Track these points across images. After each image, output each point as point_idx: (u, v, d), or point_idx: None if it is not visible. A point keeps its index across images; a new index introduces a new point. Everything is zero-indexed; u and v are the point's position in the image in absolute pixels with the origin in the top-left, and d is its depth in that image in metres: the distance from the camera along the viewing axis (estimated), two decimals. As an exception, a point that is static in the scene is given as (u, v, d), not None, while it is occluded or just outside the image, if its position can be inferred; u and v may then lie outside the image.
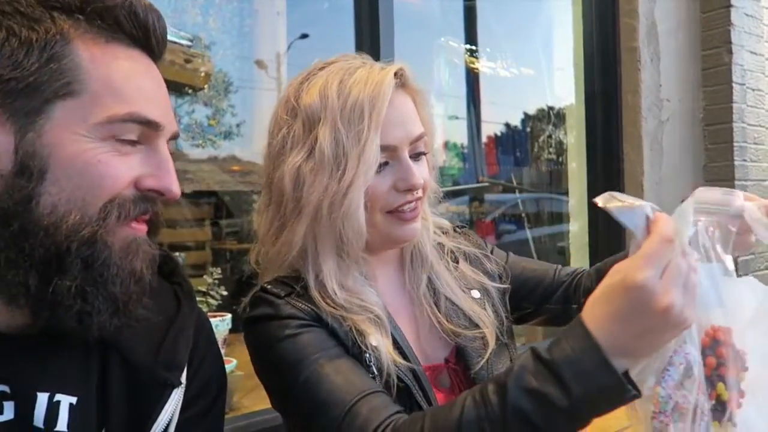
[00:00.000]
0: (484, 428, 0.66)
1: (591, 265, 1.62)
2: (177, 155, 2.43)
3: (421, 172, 0.91)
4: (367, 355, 0.84)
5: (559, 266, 1.10)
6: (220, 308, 1.81)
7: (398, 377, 0.85)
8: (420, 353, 0.92)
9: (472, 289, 0.99)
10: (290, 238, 0.90)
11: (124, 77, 0.65)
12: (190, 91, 2.37)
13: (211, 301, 1.80)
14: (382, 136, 0.86)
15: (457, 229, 1.09)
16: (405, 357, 0.87)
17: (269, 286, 0.89)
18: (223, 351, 1.51)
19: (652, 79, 2.58)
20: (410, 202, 0.90)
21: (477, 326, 0.94)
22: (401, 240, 0.92)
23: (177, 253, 2.05)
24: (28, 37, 0.61)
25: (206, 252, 2.74)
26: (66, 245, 0.61)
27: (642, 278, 0.59)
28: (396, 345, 0.88)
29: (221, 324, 1.60)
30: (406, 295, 0.98)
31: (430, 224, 1.00)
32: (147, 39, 0.68)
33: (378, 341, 0.85)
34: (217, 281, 1.86)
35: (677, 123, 2.68)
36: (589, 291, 0.91)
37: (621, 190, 2.60)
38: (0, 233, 0.60)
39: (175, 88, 2.31)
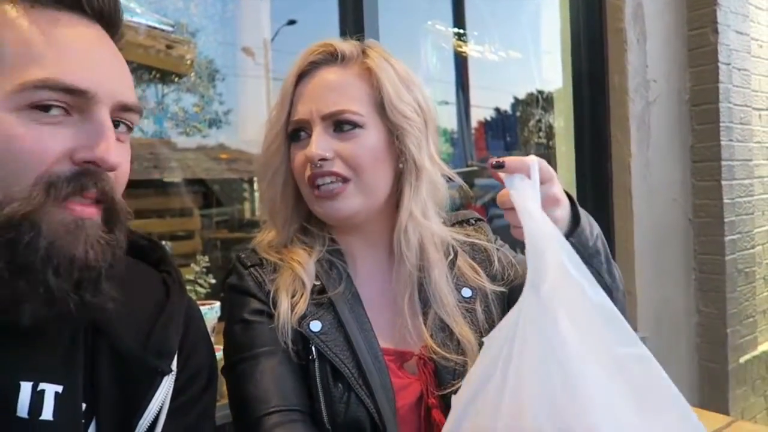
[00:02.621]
0: None
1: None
2: (164, 143, 2.40)
3: (344, 149, 0.90)
4: (275, 316, 0.89)
5: None
6: (209, 296, 1.80)
7: (309, 349, 0.87)
8: (389, 337, 0.92)
9: (463, 287, 0.97)
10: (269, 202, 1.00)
11: (44, 41, 0.60)
12: (176, 78, 2.34)
13: (199, 289, 1.79)
14: (295, 110, 0.93)
15: (472, 222, 1.06)
16: (347, 339, 0.88)
17: (243, 255, 0.97)
18: (212, 339, 1.50)
19: (639, 60, 2.58)
20: (320, 176, 0.90)
21: (463, 353, 0.91)
22: (322, 217, 0.94)
23: (164, 242, 2.03)
24: None
25: (196, 241, 2.72)
26: None
27: None
28: (339, 325, 0.89)
29: (210, 312, 1.59)
30: (391, 284, 0.97)
31: (410, 216, 0.94)
32: (75, 2, 0.63)
33: (283, 307, 0.88)
34: (205, 269, 1.85)
35: (664, 104, 2.68)
36: None
37: (609, 172, 2.62)
38: None
39: (160, 74, 2.28)
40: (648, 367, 0.60)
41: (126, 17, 1.91)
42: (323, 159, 0.89)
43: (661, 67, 2.67)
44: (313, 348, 0.87)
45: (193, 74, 2.41)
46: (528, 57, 3.30)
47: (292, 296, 0.90)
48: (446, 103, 3.19)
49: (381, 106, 0.92)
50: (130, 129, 0.68)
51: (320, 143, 0.89)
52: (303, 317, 0.89)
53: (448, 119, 3.12)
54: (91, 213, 0.62)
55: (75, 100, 0.60)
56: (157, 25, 2.02)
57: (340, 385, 0.86)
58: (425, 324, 0.92)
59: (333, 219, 0.93)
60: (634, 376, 0.58)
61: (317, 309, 0.90)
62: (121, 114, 0.65)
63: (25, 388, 0.63)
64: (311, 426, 0.86)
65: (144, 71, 2.20)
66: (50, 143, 0.59)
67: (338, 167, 0.89)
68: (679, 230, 2.79)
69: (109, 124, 0.62)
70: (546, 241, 0.63)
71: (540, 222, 0.66)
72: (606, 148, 2.62)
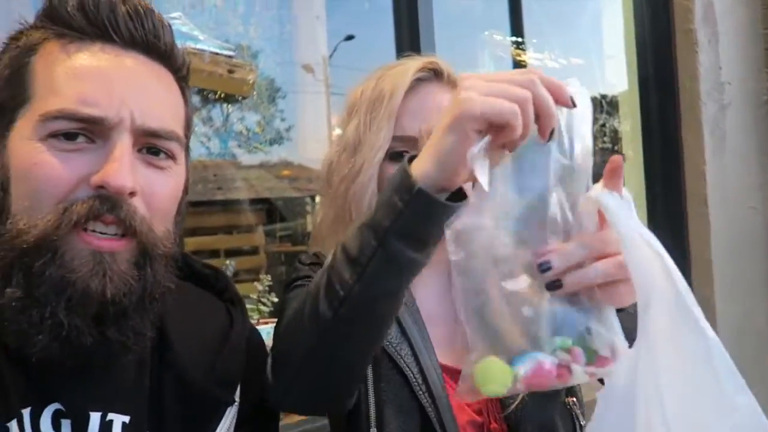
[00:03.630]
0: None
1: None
2: (229, 164, 2.47)
3: None
4: None
5: None
6: (272, 315, 1.83)
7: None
8: (447, 353, 0.90)
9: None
10: (321, 218, 0.98)
11: (66, 74, 0.62)
12: (240, 98, 2.42)
13: (262, 308, 1.83)
14: (400, 126, 0.90)
15: None
16: (411, 347, 0.86)
17: (303, 257, 0.96)
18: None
19: (711, 62, 2.45)
20: None
21: None
22: None
23: (228, 261, 2.09)
24: (7, 60, 0.63)
25: (260, 256, 2.78)
26: (10, 255, 0.58)
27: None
28: (404, 334, 0.87)
29: (273, 331, 1.62)
30: (450, 302, 0.95)
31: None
32: (105, 32, 0.64)
33: None
34: (267, 288, 1.89)
35: (740, 106, 2.54)
36: None
37: (682, 179, 2.50)
38: None
39: (224, 95, 2.36)
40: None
41: (190, 45, 1.99)
42: None
43: (736, 69, 2.52)
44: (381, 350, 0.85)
45: (255, 94, 2.48)
46: (590, 62, 3.21)
47: None
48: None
49: None
50: (169, 157, 0.67)
51: None
52: None
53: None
54: (111, 246, 0.61)
55: (95, 128, 0.61)
56: (219, 51, 2.09)
57: (403, 389, 0.85)
58: None
59: None
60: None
61: None
62: (153, 140, 0.65)
63: (94, 418, 0.65)
64: None
65: (209, 92, 2.28)
66: (69, 169, 0.60)
67: None
68: (758, 240, 2.63)
69: (122, 146, 0.61)
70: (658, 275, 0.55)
71: (651, 248, 0.57)
72: (677, 154, 2.50)
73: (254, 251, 2.77)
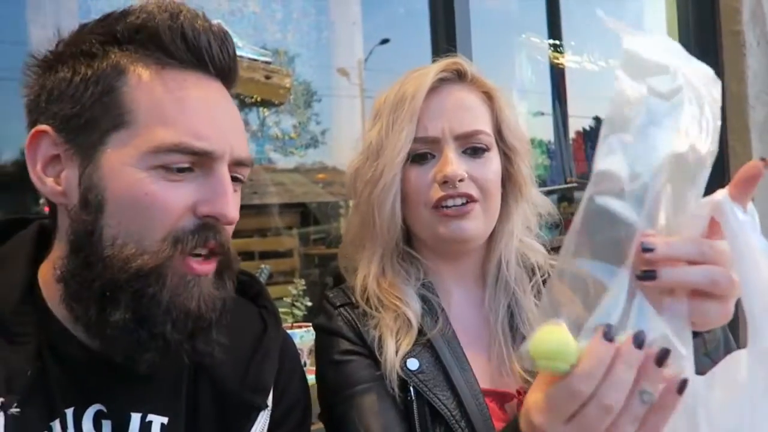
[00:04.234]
0: None
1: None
2: (264, 168, 2.50)
3: (475, 170, 0.87)
4: (381, 363, 0.85)
5: None
6: (306, 319, 1.84)
7: (407, 391, 0.83)
8: (488, 376, 0.88)
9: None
10: (347, 228, 0.98)
11: (174, 104, 0.63)
12: (276, 102, 2.45)
13: (296, 312, 1.84)
14: (423, 127, 0.88)
15: None
16: (448, 379, 0.84)
17: (331, 295, 0.94)
18: (308, 361, 1.53)
19: (760, 65, 2.36)
20: (452, 197, 0.86)
21: None
22: (445, 238, 0.88)
23: (263, 265, 2.11)
24: (86, 73, 0.63)
25: (294, 259, 2.81)
26: (120, 277, 0.61)
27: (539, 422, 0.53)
28: (439, 365, 0.85)
29: (306, 335, 1.63)
30: (483, 317, 0.93)
31: (513, 240, 0.94)
32: (201, 61, 0.66)
33: (390, 349, 0.84)
34: (302, 292, 1.90)
35: (790, 111, 2.43)
36: None
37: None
38: (71, 265, 0.63)
39: (260, 103, 2.39)
40: None
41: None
42: (461, 180, 0.86)
43: (786, 70, 2.42)
44: (411, 388, 0.84)
45: (291, 98, 2.51)
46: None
47: (396, 338, 0.86)
48: (542, 113, 3.10)
49: (498, 130, 0.92)
50: (242, 182, 0.71)
51: (458, 163, 0.87)
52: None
53: (544, 130, 3.03)
54: (207, 270, 0.66)
55: (200, 160, 0.64)
56: (257, 57, 2.12)
57: (439, 428, 0.83)
58: (513, 350, 0.89)
59: (457, 239, 0.89)
60: None
61: (414, 347, 0.86)
62: (237, 169, 0.69)
63: (135, 419, 0.68)
64: None
65: (246, 96, 2.31)
66: (177, 199, 0.63)
67: (471, 189, 0.87)
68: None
69: (229, 180, 0.66)
70: None
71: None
72: (724, 161, 2.41)
73: (288, 254, 2.80)
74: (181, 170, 0.63)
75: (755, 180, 0.50)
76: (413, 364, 0.85)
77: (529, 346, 0.50)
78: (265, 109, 2.47)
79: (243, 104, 2.34)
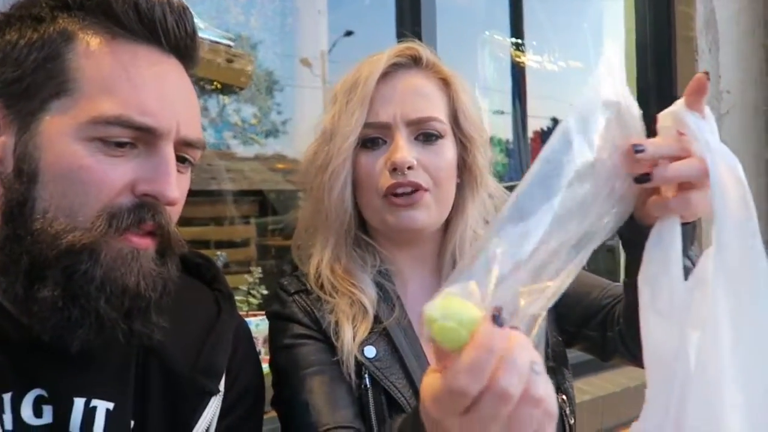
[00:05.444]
0: None
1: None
2: (223, 154, 2.45)
3: (426, 157, 0.86)
4: (337, 350, 0.84)
5: (611, 285, 0.95)
6: (261, 307, 1.82)
7: (363, 377, 0.83)
8: None
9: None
10: (301, 216, 0.96)
11: (120, 76, 0.60)
12: (237, 90, 2.40)
13: (252, 300, 1.82)
14: (375, 112, 0.87)
15: None
16: (405, 368, 0.84)
17: (285, 282, 0.92)
18: (263, 350, 1.51)
19: (711, 70, 2.45)
20: (401, 185, 0.85)
21: None
22: (396, 228, 0.88)
23: (219, 252, 2.07)
24: (31, 37, 0.60)
25: (251, 248, 2.77)
26: (48, 253, 0.58)
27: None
28: (396, 354, 0.85)
29: (262, 323, 1.61)
30: None
31: (468, 230, 0.93)
32: (154, 34, 0.63)
33: (347, 335, 0.84)
34: (258, 280, 1.87)
35: (738, 115, 2.54)
36: (619, 315, 0.84)
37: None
38: (1, 237, 0.60)
39: (221, 86, 2.34)
40: None
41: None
42: (410, 167, 0.85)
43: (735, 77, 2.52)
44: (367, 376, 0.83)
45: (252, 85, 2.47)
46: (589, 66, 3.21)
47: (353, 324, 0.85)
48: (502, 112, 3.14)
49: (454, 118, 0.91)
50: (191, 164, 0.69)
51: (409, 149, 0.85)
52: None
53: (504, 129, 3.07)
54: (146, 244, 0.63)
55: (143, 136, 0.61)
56: (219, 40, 2.08)
57: (395, 416, 0.82)
58: None
59: (406, 229, 0.88)
60: None
61: (370, 335, 0.86)
62: (185, 149, 0.66)
63: (78, 404, 0.64)
64: None
65: (206, 82, 2.26)
66: (115, 175, 0.60)
67: (421, 177, 0.86)
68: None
69: (173, 159, 0.63)
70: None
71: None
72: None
73: (245, 243, 2.75)
74: (120, 144, 0.60)
75: (704, 90, 0.56)
76: (370, 351, 0.84)
77: (426, 307, 0.45)
78: (226, 97, 2.42)
79: (203, 90, 2.29)
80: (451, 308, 0.44)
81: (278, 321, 0.90)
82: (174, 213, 0.67)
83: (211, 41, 2.04)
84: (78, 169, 0.59)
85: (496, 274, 0.47)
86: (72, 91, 0.59)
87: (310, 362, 0.85)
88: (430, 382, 0.47)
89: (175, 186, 0.63)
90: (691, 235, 0.66)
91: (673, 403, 0.52)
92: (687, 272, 0.56)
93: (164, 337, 0.69)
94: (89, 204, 0.59)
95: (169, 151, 0.63)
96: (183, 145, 0.65)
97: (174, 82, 0.65)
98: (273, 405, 0.90)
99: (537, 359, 0.45)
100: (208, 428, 0.71)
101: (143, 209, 0.61)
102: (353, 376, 0.83)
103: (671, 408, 0.52)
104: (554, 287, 0.50)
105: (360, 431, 0.81)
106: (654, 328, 0.55)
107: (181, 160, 0.66)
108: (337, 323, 0.85)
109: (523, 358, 0.44)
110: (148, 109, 0.61)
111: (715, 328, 0.52)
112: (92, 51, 0.61)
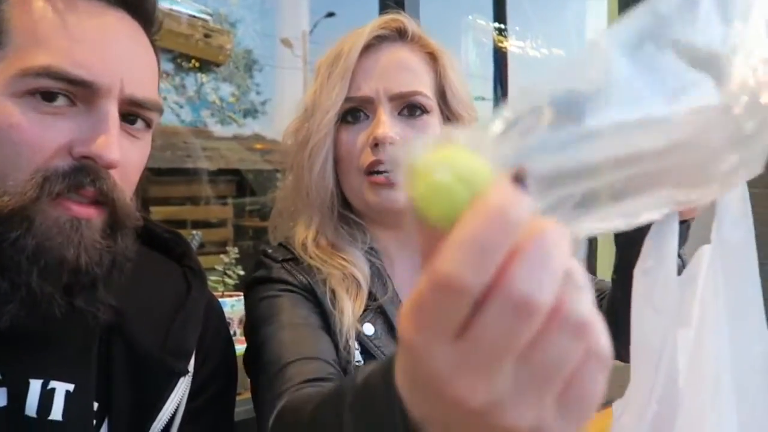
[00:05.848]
0: None
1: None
2: (200, 132, 2.41)
3: (410, 133, 0.83)
4: (333, 320, 0.79)
5: (596, 280, 0.95)
6: (238, 288, 1.80)
7: (352, 353, 0.78)
8: None
9: None
10: (279, 196, 0.93)
11: (54, 27, 0.56)
12: (214, 68, 2.35)
13: (228, 280, 1.80)
14: (357, 86, 0.84)
15: None
16: (394, 334, 0.81)
17: (270, 250, 0.87)
18: (238, 331, 1.50)
19: (690, 61, 2.47)
20: (382, 162, 0.82)
21: None
22: (377, 208, 0.85)
23: (194, 231, 2.04)
24: None
25: (228, 229, 2.74)
26: None
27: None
28: (392, 333, 0.82)
29: (237, 304, 1.59)
30: None
31: None
32: None
33: (346, 305, 0.79)
34: (234, 260, 1.85)
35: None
36: (612, 298, 0.84)
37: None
38: None
39: (199, 63, 2.29)
40: None
41: (166, 6, 1.92)
42: (393, 143, 0.81)
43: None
44: (358, 353, 0.79)
45: (230, 63, 2.42)
46: (572, 54, 3.21)
47: (350, 296, 0.81)
48: (483, 98, 3.13)
49: (442, 94, 0.88)
50: (148, 126, 0.65)
51: (391, 125, 0.82)
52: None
53: (485, 116, 3.07)
54: (89, 213, 0.58)
55: (80, 91, 0.57)
56: (197, 14, 2.03)
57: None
58: None
59: (387, 209, 0.85)
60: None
61: (366, 312, 0.82)
62: (136, 109, 0.62)
63: (35, 386, 0.61)
64: None
65: (183, 60, 2.21)
66: (50, 135, 0.56)
67: None
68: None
69: (113, 118, 0.58)
70: None
71: None
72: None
73: (222, 224, 2.72)
74: (52, 99, 0.55)
75: None
76: (369, 329, 0.81)
77: (408, 154, 0.27)
78: (204, 75, 2.37)
79: (180, 68, 2.23)
80: (449, 159, 0.27)
81: (265, 283, 0.84)
82: (125, 182, 0.62)
83: (189, 15, 1.98)
84: (8, 128, 0.54)
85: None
86: (3, 45, 0.56)
87: (292, 315, 0.79)
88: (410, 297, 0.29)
89: (116, 146, 0.57)
90: (685, 235, 0.66)
91: (656, 389, 0.53)
92: (678, 271, 0.56)
93: (130, 316, 0.66)
94: (21, 167, 0.55)
95: (109, 109, 0.58)
96: (131, 105, 0.60)
97: (118, 36, 0.60)
98: (244, 365, 0.85)
99: (578, 270, 0.28)
100: (176, 410, 0.69)
101: (81, 172, 0.56)
102: (350, 352, 0.79)
103: (654, 394, 0.53)
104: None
105: (332, 367, 0.75)
106: (646, 320, 0.55)
107: (130, 121, 0.62)
108: (334, 293, 0.81)
109: (557, 254, 0.26)
110: (83, 61, 0.56)
111: (704, 322, 0.53)
112: (26, 2, 0.57)
